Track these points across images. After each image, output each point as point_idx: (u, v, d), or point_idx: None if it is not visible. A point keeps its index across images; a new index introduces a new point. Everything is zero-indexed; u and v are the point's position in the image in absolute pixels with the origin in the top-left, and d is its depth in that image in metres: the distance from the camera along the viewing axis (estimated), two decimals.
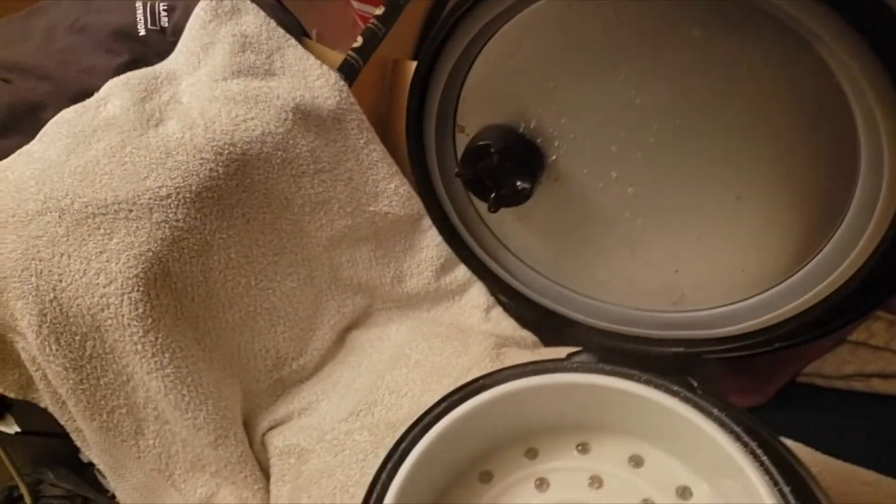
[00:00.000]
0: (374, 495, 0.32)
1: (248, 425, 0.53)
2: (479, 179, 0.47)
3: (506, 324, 0.58)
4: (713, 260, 0.41)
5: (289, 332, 0.54)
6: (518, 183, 0.46)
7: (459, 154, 0.50)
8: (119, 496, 0.53)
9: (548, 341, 0.57)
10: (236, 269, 0.51)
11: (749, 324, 0.40)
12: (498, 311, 0.59)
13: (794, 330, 0.39)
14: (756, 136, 0.37)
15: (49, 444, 0.73)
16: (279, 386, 0.55)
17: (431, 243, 0.58)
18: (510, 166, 0.45)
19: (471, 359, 0.51)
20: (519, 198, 0.46)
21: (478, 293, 0.59)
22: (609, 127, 0.42)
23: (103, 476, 0.74)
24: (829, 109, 0.34)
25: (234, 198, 0.50)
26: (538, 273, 0.51)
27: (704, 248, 0.41)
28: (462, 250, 0.55)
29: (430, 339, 0.54)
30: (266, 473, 0.52)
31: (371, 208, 0.56)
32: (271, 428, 0.53)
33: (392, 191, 0.56)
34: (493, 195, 0.46)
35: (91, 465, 0.74)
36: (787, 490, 0.29)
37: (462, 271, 0.58)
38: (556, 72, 0.42)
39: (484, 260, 0.53)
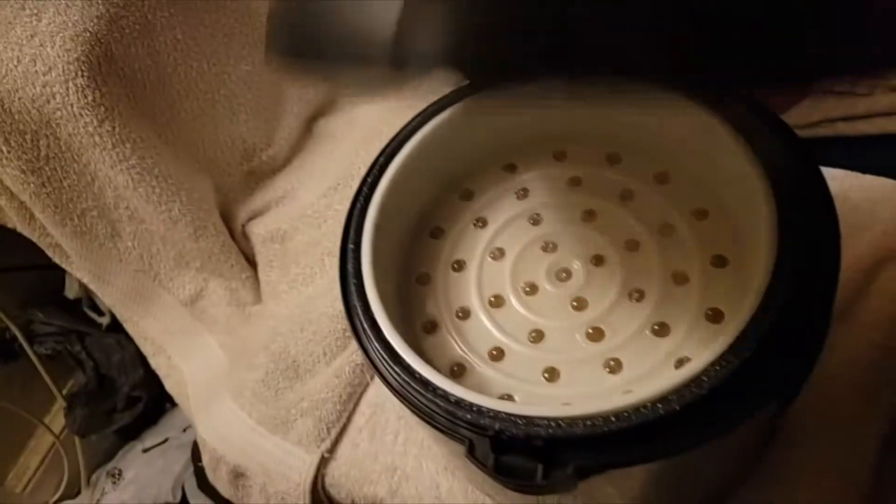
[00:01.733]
0: (360, 202, 0.32)
1: (226, 219, 0.53)
2: None
3: None
4: None
5: (252, 121, 0.52)
6: None
7: None
8: (108, 302, 0.53)
9: None
10: (185, 52, 0.48)
11: None
12: None
13: None
14: None
15: (32, 285, 0.73)
16: (252, 178, 0.54)
17: None
18: None
19: None
20: None
21: None
22: None
23: (93, 310, 0.74)
24: None
25: None
26: None
27: None
28: None
29: (402, 112, 0.53)
30: (252, 264, 0.53)
31: None
32: (250, 219, 0.53)
33: None
34: None
35: (79, 300, 0.75)
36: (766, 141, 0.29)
37: None
38: None
39: None
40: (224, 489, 0.44)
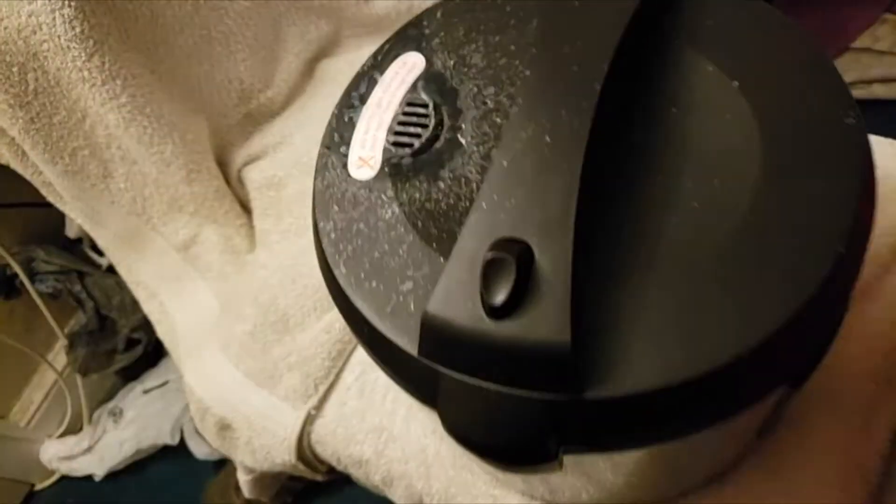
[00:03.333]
0: None
1: (222, 163, 0.51)
2: None
3: None
4: None
5: (250, 59, 0.50)
6: None
7: None
8: (101, 245, 0.52)
9: None
10: None
11: None
12: None
13: None
14: None
15: (33, 223, 0.72)
16: (249, 122, 0.52)
17: None
18: None
19: None
20: None
21: None
22: None
23: (93, 250, 0.74)
24: None
25: None
26: None
27: None
28: None
29: None
30: (247, 210, 0.51)
31: None
32: (246, 164, 0.51)
33: None
34: None
35: (79, 240, 0.74)
36: None
37: None
38: None
39: None
40: (211, 439, 0.44)
